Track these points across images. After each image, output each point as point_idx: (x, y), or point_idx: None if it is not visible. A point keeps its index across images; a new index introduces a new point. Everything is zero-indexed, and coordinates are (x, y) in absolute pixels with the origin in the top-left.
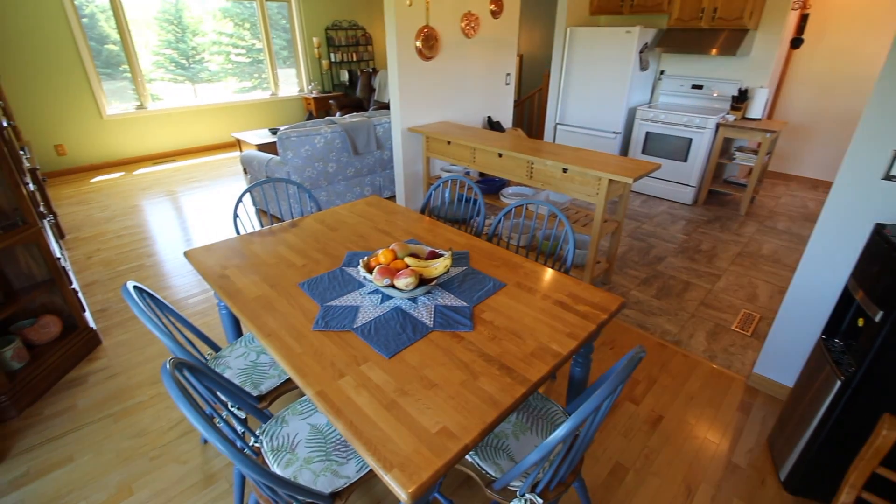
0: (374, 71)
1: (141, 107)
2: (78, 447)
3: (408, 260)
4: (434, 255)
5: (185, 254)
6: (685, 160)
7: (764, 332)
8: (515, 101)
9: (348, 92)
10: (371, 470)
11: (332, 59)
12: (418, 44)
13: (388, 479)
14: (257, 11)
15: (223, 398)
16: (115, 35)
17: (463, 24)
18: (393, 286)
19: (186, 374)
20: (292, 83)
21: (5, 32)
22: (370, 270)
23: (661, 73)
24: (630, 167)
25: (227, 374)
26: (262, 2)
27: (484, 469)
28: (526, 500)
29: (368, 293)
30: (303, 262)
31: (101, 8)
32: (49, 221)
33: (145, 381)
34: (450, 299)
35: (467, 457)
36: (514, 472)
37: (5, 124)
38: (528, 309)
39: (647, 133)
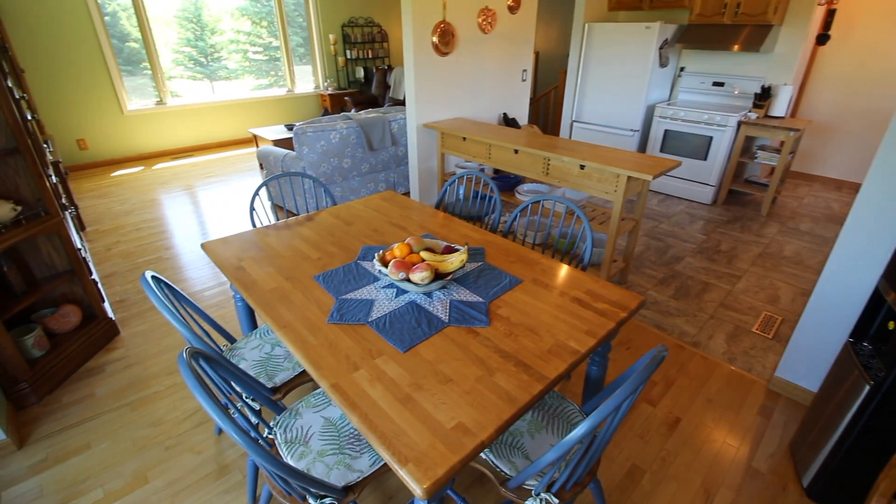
0: (390, 68)
1: (160, 102)
2: (95, 435)
3: (423, 254)
4: (450, 250)
5: (203, 246)
6: (705, 159)
7: (786, 335)
8: (531, 99)
9: (363, 89)
10: (384, 464)
11: (348, 56)
12: (434, 39)
13: (402, 474)
14: (275, 8)
15: (238, 389)
16: (136, 33)
17: (480, 20)
18: (408, 280)
19: (202, 363)
20: (308, 80)
21: (30, 30)
22: (385, 264)
23: (681, 69)
24: (649, 164)
25: (241, 366)
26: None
27: (498, 467)
28: (541, 500)
29: (383, 287)
30: (318, 255)
31: (122, 6)
32: (70, 213)
33: (162, 372)
34: (465, 294)
35: (482, 454)
36: (529, 471)
37: (29, 117)
38: (545, 305)
39: (666, 131)
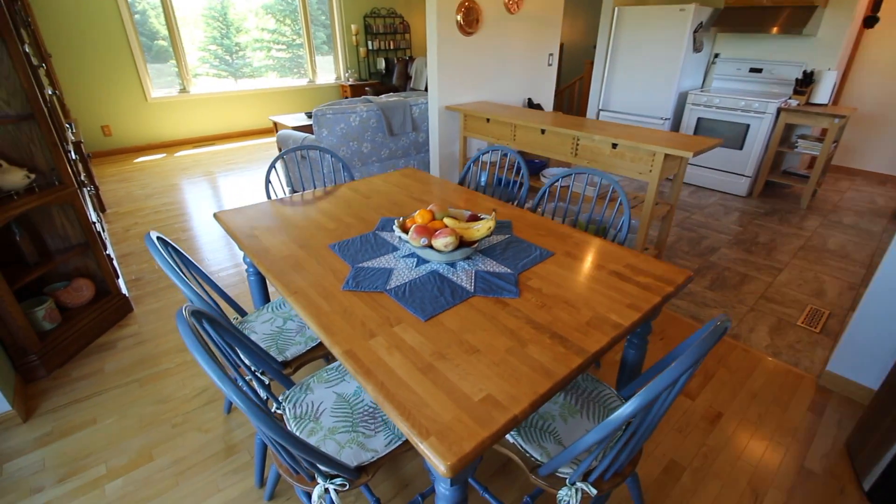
0: (411, 59)
1: (184, 91)
2: (102, 410)
3: (447, 221)
4: (475, 219)
5: (215, 215)
6: (741, 148)
7: (834, 330)
8: (555, 90)
9: (384, 80)
10: (401, 444)
11: (370, 47)
12: (459, 18)
13: (423, 448)
14: (299, 6)
15: (245, 360)
16: (164, 31)
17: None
18: (430, 247)
19: (206, 325)
20: (329, 70)
21: (59, 17)
22: (406, 231)
23: (716, 56)
24: (687, 142)
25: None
26: None
27: (528, 452)
28: (577, 490)
29: (403, 257)
30: (334, 225)
31: (152, 5)
32: (89, 191)
33: (173, 349)
34: (492, 265)
35: (509, 437)
36: (565, 456)
37: (50, 92)
38: (581, 278)
39: (699, 119)
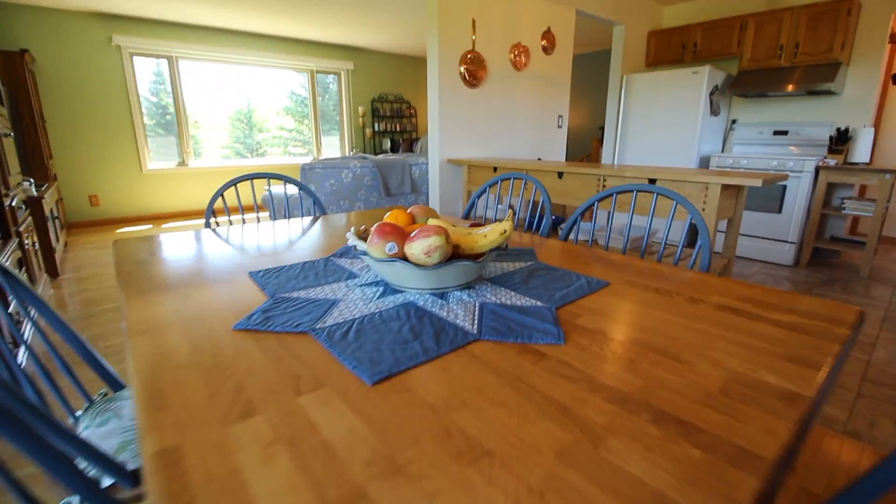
0: (416, 139)
1: (182, 164)
2: None
3: (434, 221)
4: (479, 227)
5: (114, 242)
6: (779, 212)
7: None
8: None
9: None
10: None
11: (376, 129)
12: (462, 69)
13: None
14: (307, 83)
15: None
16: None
17: (512, 56)
18: (403, 258)
19: None
20: (334, 147)
21: (64, 89)
22: (364, 239)
23: (733, 122)
24: (740, 176)
25: (109, 425)
26: (313, 75)
27: None
28: None
29: (362, 285)
30: (272, 252)
31: (169, 97)
32: (26, 245)
33: None
34: (508, 297)
35: None
36: None
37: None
38: (671, 315)
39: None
